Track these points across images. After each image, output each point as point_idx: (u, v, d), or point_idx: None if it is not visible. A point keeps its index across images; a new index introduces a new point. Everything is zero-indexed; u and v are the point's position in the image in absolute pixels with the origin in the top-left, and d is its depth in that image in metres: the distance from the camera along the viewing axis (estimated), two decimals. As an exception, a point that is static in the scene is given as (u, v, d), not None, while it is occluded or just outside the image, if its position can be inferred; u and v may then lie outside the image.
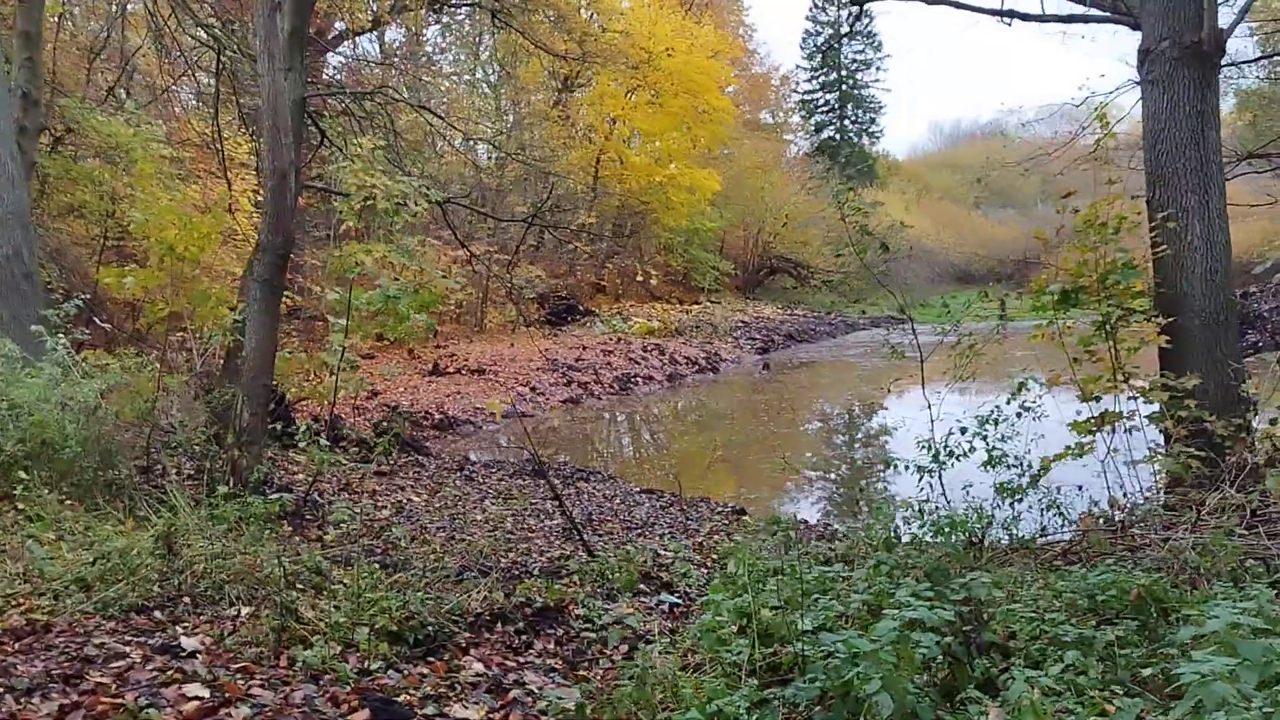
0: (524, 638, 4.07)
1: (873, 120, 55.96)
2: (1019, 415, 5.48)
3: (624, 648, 3.96)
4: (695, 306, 32.44)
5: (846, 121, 55.55)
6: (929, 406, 5.63)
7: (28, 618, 3.72)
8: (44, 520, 5.05)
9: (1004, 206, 59.78)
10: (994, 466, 5.35)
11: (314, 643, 3.56)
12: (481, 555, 5.74)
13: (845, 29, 54.25)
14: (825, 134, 55.55)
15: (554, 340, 23.58)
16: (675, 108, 29.49)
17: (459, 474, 9.50)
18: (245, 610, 4.15)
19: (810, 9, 54.53)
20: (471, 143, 24.69)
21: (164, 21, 11.97)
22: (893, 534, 5.22)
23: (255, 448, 7.16)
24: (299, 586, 4.64)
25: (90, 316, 10.48)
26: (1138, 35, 6.34)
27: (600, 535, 7.19)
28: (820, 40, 54.67)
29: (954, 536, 4.78)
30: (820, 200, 34.54)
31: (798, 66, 54.89)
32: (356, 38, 20.77)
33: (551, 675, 3.79)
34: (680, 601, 4.72)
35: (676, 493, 9.16)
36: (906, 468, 5.67)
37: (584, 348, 22.28)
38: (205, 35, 10.49)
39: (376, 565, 5.08)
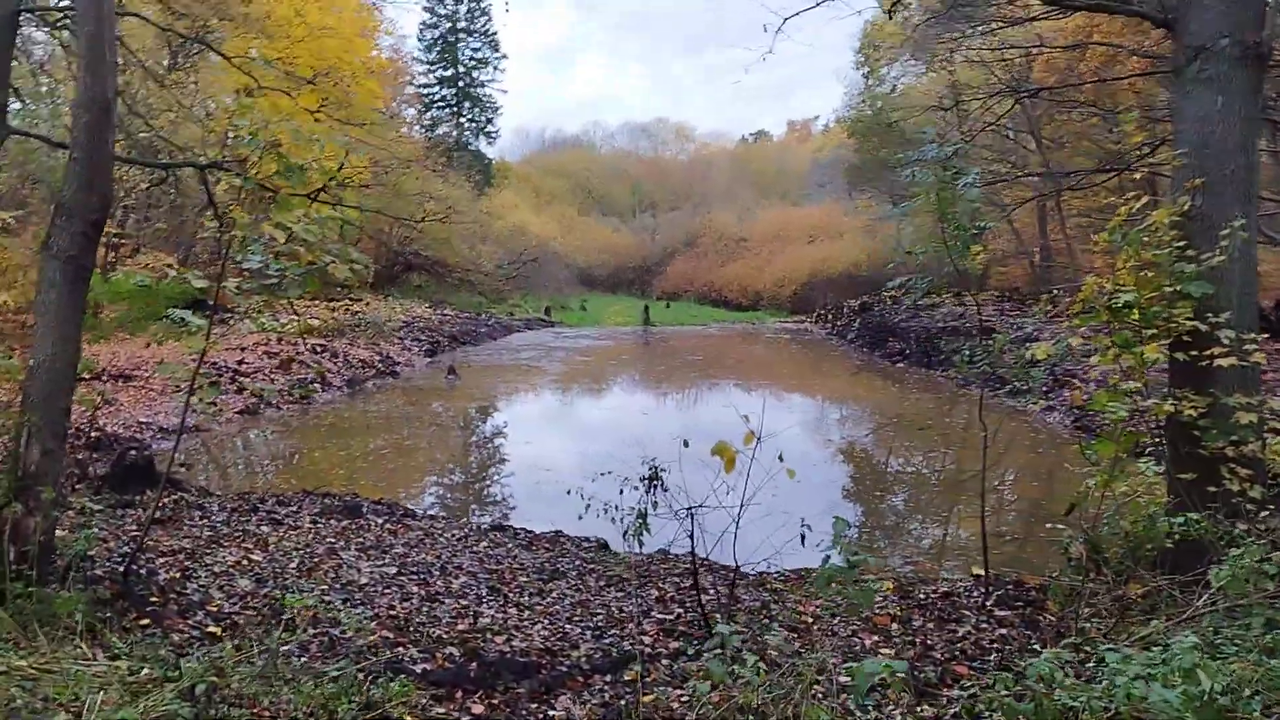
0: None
1: (490, 121, 55.66)
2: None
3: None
4: (334, 303, 29.73)
5: (464, 120, 54.65)
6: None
7: None
8: None
9: (605, 215, 62.71)
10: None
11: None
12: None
13: (463, 22, 53.56)
14: (440, 130, 54.13)
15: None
16: (319, 85, 26.74)
17: (256, 515, 7.40)
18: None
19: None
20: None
21: None
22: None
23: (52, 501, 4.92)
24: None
25: None
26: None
27: (532, 592, 5.97)
28: (438, 33, 53.27)
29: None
30: (468, 197, 33.44)
31: (414, 58, 52.82)
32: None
33: None
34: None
35: (532, 529, 8.00)
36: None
37: (243, 349, 19.27)
38: None
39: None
